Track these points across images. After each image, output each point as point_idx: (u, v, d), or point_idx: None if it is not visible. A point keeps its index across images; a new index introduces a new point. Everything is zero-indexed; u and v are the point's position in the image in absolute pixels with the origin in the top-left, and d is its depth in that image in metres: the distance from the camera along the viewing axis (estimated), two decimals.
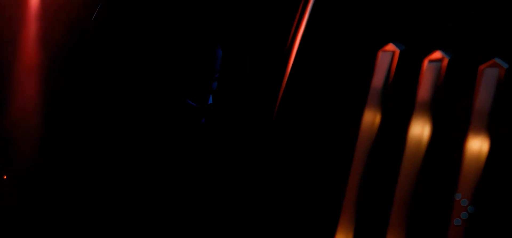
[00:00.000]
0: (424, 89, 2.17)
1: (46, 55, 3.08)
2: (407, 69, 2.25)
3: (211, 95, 3.04)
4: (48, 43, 3.07)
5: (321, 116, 2.45)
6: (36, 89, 3.09)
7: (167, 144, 2.93)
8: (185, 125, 2.97)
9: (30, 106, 3.10)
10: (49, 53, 3.07)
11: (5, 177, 3.11)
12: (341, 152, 2.33)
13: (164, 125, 2.97)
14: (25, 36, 3.06)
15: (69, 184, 2.99)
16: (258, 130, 2.65)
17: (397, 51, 2.29)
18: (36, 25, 3.07)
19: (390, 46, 2.31)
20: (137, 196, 2.91)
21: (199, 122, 2.96)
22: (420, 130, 2.16)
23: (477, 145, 2.05)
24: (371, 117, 2.28)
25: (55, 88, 3.06)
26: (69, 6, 3.07)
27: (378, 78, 2.29)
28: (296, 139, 2.48)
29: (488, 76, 2.08)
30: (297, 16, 2.59)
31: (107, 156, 2.97)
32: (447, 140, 2.11)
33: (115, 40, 3.10)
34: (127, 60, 3.04)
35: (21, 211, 3.04)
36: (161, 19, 3.03)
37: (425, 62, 2.21)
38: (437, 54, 2.19)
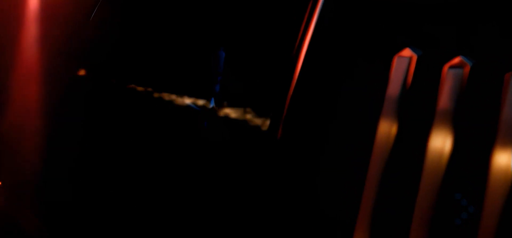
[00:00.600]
0: (445, 98, 2.01)
1: (45, 58, 3.09)
2: (426, 76, 2.09)
3: (213, 98, 2.95)
4: (48, 46, 3.09)
5: (331, 127, 2.30)
6: (35, 93, 3.09)
7: (169, 148, 2.88)
8: (186, 128, 2.90)
9: (29, 110, 3.09)
10: (48, 56, 3.09)
11: (0, 183, 3.07)
12: (355, 165, 2.19)
13: (165, 128, 2.89)
14: (24, 38, 3.07)
15: (70, 189, 2.94)
16: (263, 138, 2.54)
17: (415, 56, 2.13)
18: (35, 27, 3.07)
19: (407, 51, 2.15)
20: (138, 201, 2.87)
21: (202, 125, 2.89)
22: (441, 142, 2.00)
23: (504, 160, 1.89)
24: (387, 128, 2.12)
25: (55, 91, 2.98)
26: (69, 8, 3.04)
27: (394, 86, 2.14)
28: (304, 151, 2.34)
29: None
30: (305, 18, 2.45)
31: (108, 160, 2.94)
32: (471, 154, 1.95)
33: (116, 42, 3.07)
34: (127, 61, 3.01)
35: (19, 218, 3.01)
36: (163, 21, 3.00)
37: (445, 69, 2.05)
38: (458, 60, 2.03)
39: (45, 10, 3.05)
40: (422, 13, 2.15)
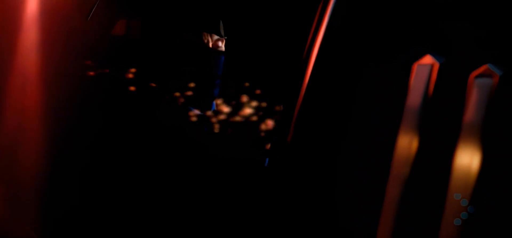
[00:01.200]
0: (471, 110, 1.84)
1: (45, 62, 3.02)
2: (449, 86, 1.92)
3: (214, 102, 2.94)
4: (48, 50, 3.03)
5: (345, 140, 2.15)
6: (34, 98, 3.03)
7: (170, 153, 2.82)
8: (186, 133, 2.79)
9: (28, 116, 3.03)
10: (48, 60, 3.03)
11: None
12: (371, 183, 2.03)
13: (165, 132, 2.79)
14: (22, 43, 3.01)
15: (70, 201, 2.90)
16: (270, 146, 2.43)
17: (436, 64, 1.96)
18: (34, 31, 3.01)
19: (428, 58, 1.98)
20: (138, 208, 2.81)
21: (202, 130, 2.84)
22: (468, 158, 1.84)
23: None
24: (407, 142, 1.96)
25: (55, 95, 2.96)
26: (70, 10, 3.04)
27: (414, 96, 1.97)
28: (315, 162, 2.19)
29: None
30: (315, 20, 2.30)
31: (109, 167, 2.86)
32: (503, 172, 1.79)
33: (116, 44, 3.05)
34: (128, 63, 2.96)
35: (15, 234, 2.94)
36: (165, 21, 2.96)
37: (471, 78, 1.88)
38: (485, 69, 1.86)
39: (45, 13, 3.00)
40: (445, 15, 1.98)
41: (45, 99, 3.01)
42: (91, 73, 3.03)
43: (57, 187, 2.94)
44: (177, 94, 2.90)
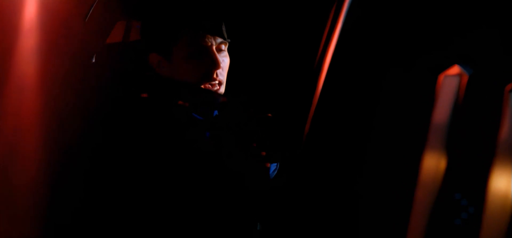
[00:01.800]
0: (507, 127, 1.67)
1: (43, 68, 2.90)
2: (480, 99, 1.75)
3: (216, 109, 2.81)
4: (46, 55, 2.91)
5: (363, 160, 1.98)
6: (32, 104, 2.96)
7: (170, 158, 2.66)
8: (188, 138, 2.69)
9: (25, 126, 2.91)
10: (46, 65, 2.90)
11: None
12: (395, 207, 1.86)
13: (166, 138, 2.69)
14: (20, 48, 2.94)
15: (70, 204, 2.72)
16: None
17: (465, 75, 1.79)
18: (33, 37, 2.93)
19: (456, 69, 1.80)
20: (140, 214, 2.64)
21: (204, 136, 2.70)
22: (504, 182, 1.66)
23: None
24: (434, 163, 1.80)
25: (53, 101, 2.84)
26: (68, 15, 2.93)
27: (441, 111, 1.80)
28: (329, 190, 2.03)
29: None
30: (328, 25, 2.14)
31: (109, 173, 2.77)
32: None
33: (117, 47, 3.01)
34: (130, 66, 2.90)
35: None
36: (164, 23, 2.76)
37: (507, 92, 1.70)
38: None
39: (44, 17, 2.93)
40: (474, 21, 1.81)
41: (44, 104, 2.96)
42: (91, 77, 2.98)
43: (56, 193, 2.88)
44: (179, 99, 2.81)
